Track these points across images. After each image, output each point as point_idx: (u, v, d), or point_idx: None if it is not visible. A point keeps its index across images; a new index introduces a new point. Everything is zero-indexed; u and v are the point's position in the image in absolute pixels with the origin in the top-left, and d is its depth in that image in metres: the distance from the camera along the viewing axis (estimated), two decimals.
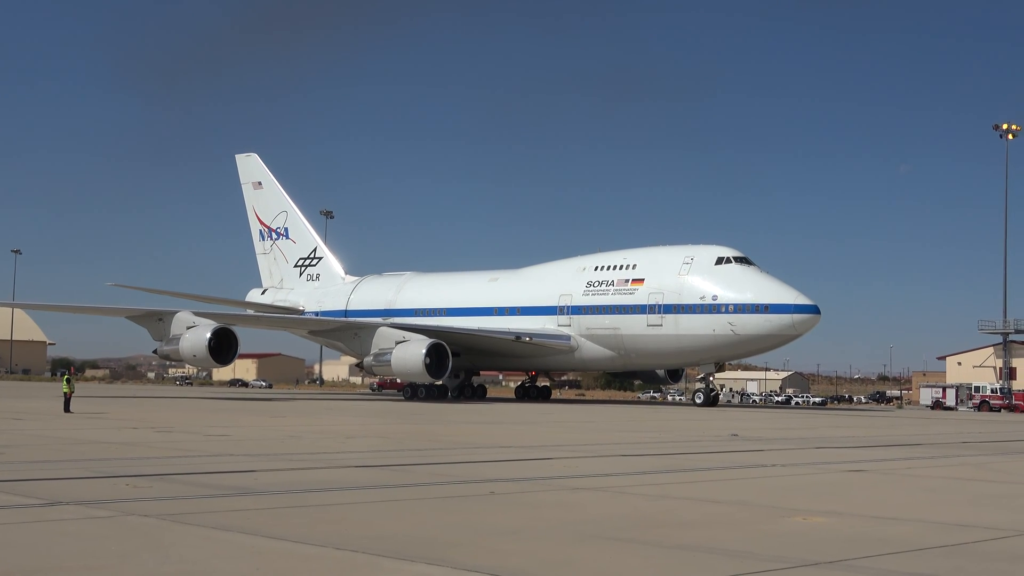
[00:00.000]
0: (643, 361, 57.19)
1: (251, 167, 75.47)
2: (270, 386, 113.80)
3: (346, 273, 71.42)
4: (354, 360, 70.11)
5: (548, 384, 70.88)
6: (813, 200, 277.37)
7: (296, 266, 73.04)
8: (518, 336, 56.34)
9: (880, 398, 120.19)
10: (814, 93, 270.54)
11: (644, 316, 53.73)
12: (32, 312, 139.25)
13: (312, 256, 72.77)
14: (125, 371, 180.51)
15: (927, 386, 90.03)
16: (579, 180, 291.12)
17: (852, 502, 12.26)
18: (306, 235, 73.57)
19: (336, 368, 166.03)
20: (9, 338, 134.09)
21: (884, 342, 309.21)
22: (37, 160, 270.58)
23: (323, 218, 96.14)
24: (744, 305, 51.24)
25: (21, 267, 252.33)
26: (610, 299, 55.26)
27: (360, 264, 75.89)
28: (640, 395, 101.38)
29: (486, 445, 21.38)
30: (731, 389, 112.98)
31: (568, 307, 56.84)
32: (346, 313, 65.09)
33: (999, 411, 71.48)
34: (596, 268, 56.98)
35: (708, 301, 51.89)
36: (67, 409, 31.78)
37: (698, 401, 54.43)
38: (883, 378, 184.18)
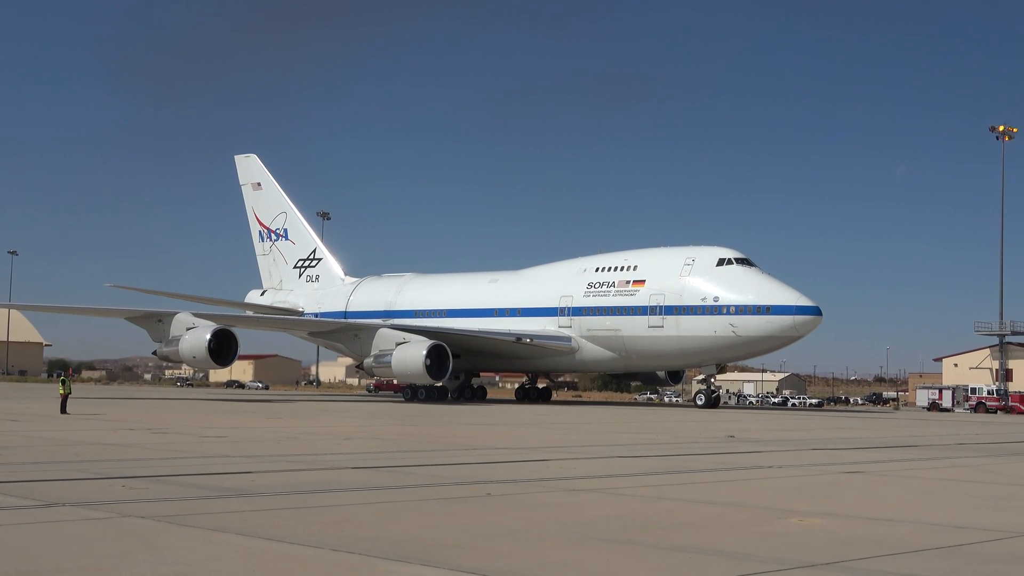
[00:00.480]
0: (644, 363, 57.12)
1: (250, 168, 75.41)
2: (266, 387, 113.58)
3: (346, 274, 71.36)
4: (353, 361, 70.00)
5: (548, 385, 70.85)
6: (810, 202, 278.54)
7: (295, 267, 72.98)
8: (519, 337, 56.25)
9: (876, 399, 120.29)
10: (812, 95, 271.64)
11: (645, 317, 53.67)
12: (28, 313, 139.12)
13: (311, 257, 72.70)
14: (122, 372, 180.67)
15: (923, 387, 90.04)
16: (579, 181, 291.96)
17: (849, 503, 12.27)
18: (305, 236, 73.51)
19: (333, 369, 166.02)
20: (5, 339, 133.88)
21: (881, 344, 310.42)
22: (35, 160, 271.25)
23: (321, 219, 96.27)
24: (745, 306, 51.19)
25: (18, 268, 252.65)
26: (611, 300, 55.19)
27: (360, 265, 76.04)
28: (637, 396, 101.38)
29: (483, 446, 21.38)
30: (728, 391, 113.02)
31: (569, 308, 56.74)
32: (346, 314, 64.96)
33: (995, 412, 71.54)
34: (597, 269, 56.91)
35: (709, 302, 51.85)
36: (63, 410, 31.77)
37: (699, 402, 54.42)
38: (879, 379, 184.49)
